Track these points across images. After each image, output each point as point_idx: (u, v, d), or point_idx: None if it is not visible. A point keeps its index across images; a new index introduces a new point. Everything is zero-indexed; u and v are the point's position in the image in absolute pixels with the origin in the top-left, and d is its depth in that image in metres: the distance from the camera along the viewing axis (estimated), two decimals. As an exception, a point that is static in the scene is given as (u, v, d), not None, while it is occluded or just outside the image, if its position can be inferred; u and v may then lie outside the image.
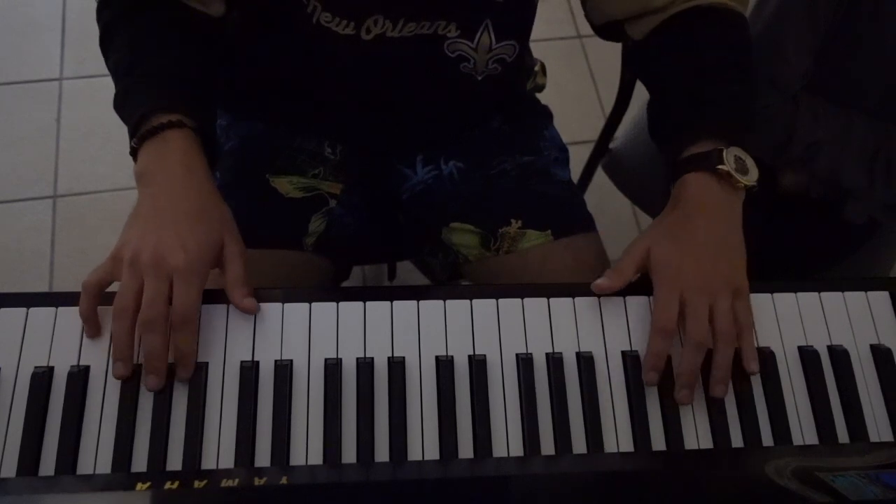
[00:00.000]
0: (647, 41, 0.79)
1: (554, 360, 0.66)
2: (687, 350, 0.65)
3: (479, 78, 0.82)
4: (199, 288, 0.62)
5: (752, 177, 0.70)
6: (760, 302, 0.70)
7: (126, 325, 0.61)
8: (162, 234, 0.62)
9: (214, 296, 0.66)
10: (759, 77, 0.96)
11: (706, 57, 0.76)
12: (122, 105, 0.69)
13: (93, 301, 0.63)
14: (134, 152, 0.67)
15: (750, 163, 0.70)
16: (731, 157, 0.69)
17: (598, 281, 0.69)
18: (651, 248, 0.69)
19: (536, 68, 1.00)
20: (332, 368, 0.64)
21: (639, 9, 0.77)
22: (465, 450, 0.63)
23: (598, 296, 0.69)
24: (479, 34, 0.78)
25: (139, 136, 0.66)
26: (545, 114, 1.00)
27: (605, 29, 0.83)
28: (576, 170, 1.04)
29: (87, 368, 0.63)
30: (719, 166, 0.69)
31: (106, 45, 0.73)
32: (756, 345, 0.68)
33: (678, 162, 0.72)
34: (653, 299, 0.67)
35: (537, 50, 1.01)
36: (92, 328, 0.63)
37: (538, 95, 1.02)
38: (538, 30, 0.86)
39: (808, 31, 0.93)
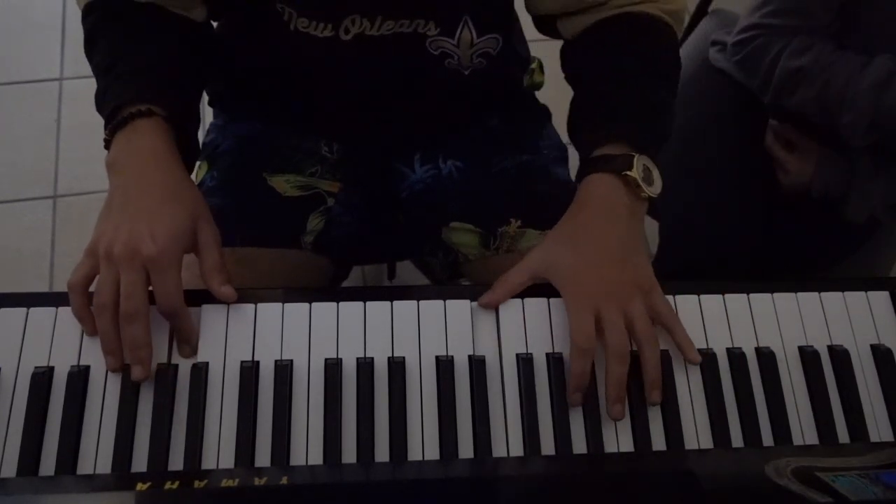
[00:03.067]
0: (577, 41, 0.80)
1: (554, 360, 0.66)
2: (611, 363, 0.63)
3: (466, 73, 0.82)
4: (175, 274, 0.62)
5: (655, 189, 0.70)
6: (760, 302, 0.70)
7: (108, 319, 0.61)
8: (133, 224, 0.62)
9: (213, 296, 0.65)
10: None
11: (630, 63, 0.76)
12: (101, 102, 0.70)
13: (83, 299, 0.63)
14: (107, 144, 0.68)
15: (656, 174, 0.70)
16: (640, 165, 0.69)
17: (483, 298, 0.67)
18: (551, 259, 0.68)
19: (533, 66, 1.00)
20: (332, 368, 0.64)
21: (571, 5, 0.78)
22: (465, 450, 0.62)
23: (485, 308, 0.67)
24: (459, 30, 0.78)
25: (111, 128, 0.67)
26: (544, 112, 1.00)
27: (541, 22, 0.83)
28: (575, 169, 1.04)
29: (87, 368, 0.63)
30: (627, 172, 0.68)
31: (90, 47, 0.74)
32: (757, 344, 0.69)
33: (587, 160, 0.72)
34: (568, 315, 0.66)
35: (537, 50, 1.00)
36: (89, 326, 0.63)
37: (536, 94, 1.02)
38: (538, 30, 0.85)
39: None
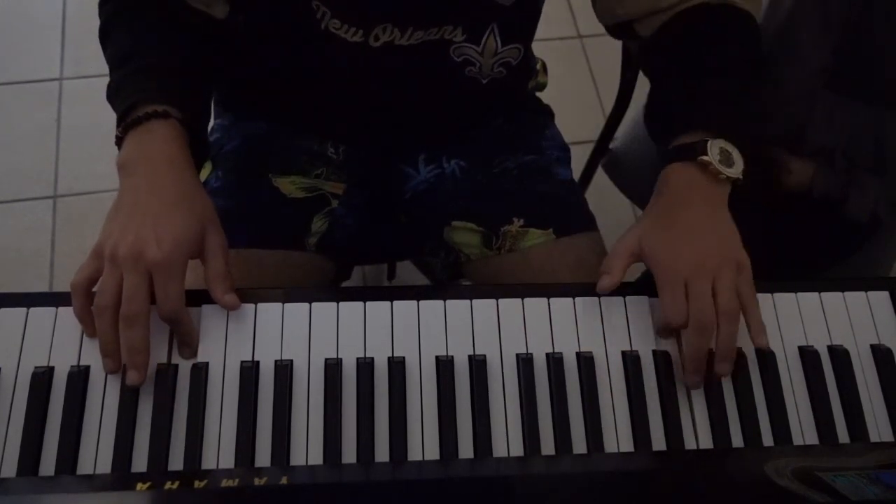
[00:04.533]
0: (654, 37, 0.79)
1: (554, 360, 0.66)
2: (692, 333, 0.65)
3: (484, 81, 0.82)
4: (179, 280, 0.62)
5: (736, 169, 0.69)
6: (761, 302, 0.70)
7: (108, 321, 0.61)
8: (139, 227, 0.61)
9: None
10: (775, 75, 0.98)
11: (706, 52, 0.76)
12: (114, 96, 0.69)
13: (84, 300, 0.62)
14: (119, 142, 0.67)
15: (736, 155, 0.69)
16: (715, 148, 0.69)
17: (600, 283, 0.69)
18: (642, 240, 0.69)
19: (538, 67, 1.00)
20: (332, 368, 0.64)
21: (646, 9, 0.77)
22: (465, 450, 0.63)
23: (601, 295, 0.69)
24: (484, 38, 0.78)
25: (124, 126, 0.66)
26: (546, 113, 1.00)
27: (616, 29, 0.83)
28: (576, 170, 1.04)
29: (87, 368, 0.63)
30: (702, 157, 0.68)
31: (105, 38, 0.73)
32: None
33: (665, 153, 0.72)
34: (658, 293, 0.67)
35: (537, 50, 1.00)
36: (89, 327, 0.63)
37: (539, 94, 1.02)
38: (538, 30, 0.86)
39: (821, 28, 0.94)
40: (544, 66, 1.01)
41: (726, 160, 0.69)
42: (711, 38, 0.76)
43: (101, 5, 0.74)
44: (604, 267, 0.70)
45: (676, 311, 0.65)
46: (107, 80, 0.71)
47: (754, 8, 0.78)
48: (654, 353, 0.67)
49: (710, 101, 0.73)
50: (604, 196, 1.41)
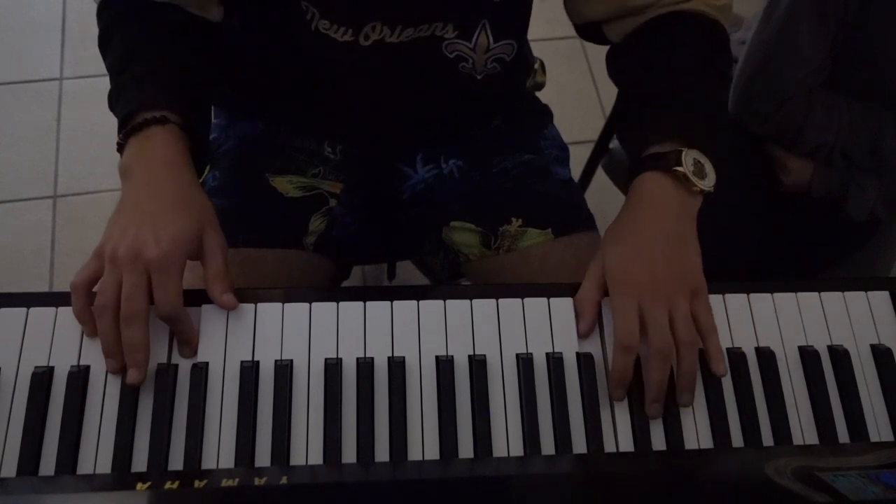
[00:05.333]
0: (623, 43, 0.80)
1: (554, 360, 0.66)
2: (653, 363, 0.63)
3: (479, 77, 0.82)
4: (177, 279, 0.62)
5: (709, 182, 0.69)
6: (761, 302, 0.70)
7: (108, 321, 0.61)
8: (139, 228, 0.62)
9: (214, 296, 0.65)
10: (773, 73, 0.99)
11: (676, 60, 0.76)
12: (114, 103, 0.70)
13: (84, 300, 0.63)
14: (120, 148, 0.68)
15: (709, 167, 0.69)
16: (689, 159, 0.68)
17: (580, 329, 0.67)
18: (605, 261, 0.68)
19: (536, 66, 1.00)
20: (332, 368, 0.64)
21: (615, 10, 0.78)
22: (465, 450, 0.63)
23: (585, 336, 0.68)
24: (476, 34, 0.78)
25: (125, 133, 0.67)
26: (545, 112, 1.00)
27: (585, 29, 0.83)
28: (576, 170, 1.04)
29: (87, 368, 0.63)
30: (676, 168, 0.68)
31: (104, 44, 0.74)
32: (756, 344, 0.69)
33: (638, 161, 0.72)
34: (611, 310, 0.66)
35: (537, 50, 1.01)
36: (89, 327, 0.63)
37: (538, 94, 1.02)
38: (538, 30, 0.86)
39: (819, 26, 0.95)
40: (542, 65, 1.02)
41: (699, 172, 0.68)
42: (680, 45, 0.76)
43: (99, 13, 0.74)
44: (577, 304, 0.68)
45: (628, 333, 0.64)
46: (107, 80, 0.72)
47: (723, 17, 0.78)
48: (654, 353, 0.67)
49: (684, 110, 0.73)
50: (604, 196, 1.41)
